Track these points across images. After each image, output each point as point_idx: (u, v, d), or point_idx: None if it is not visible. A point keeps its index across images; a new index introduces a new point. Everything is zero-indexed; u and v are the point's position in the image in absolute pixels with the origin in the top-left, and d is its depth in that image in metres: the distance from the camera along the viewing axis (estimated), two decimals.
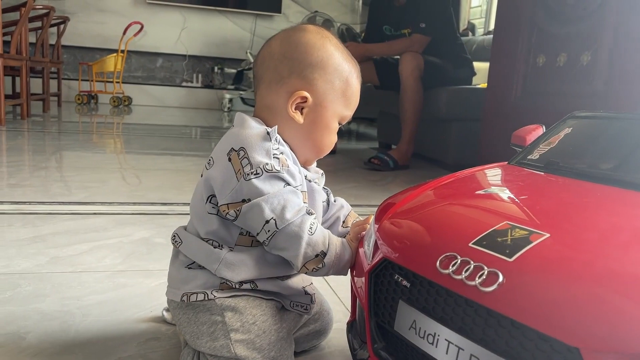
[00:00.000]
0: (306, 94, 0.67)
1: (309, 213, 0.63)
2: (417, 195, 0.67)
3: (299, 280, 0.71)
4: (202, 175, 0.68)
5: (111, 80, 5.15)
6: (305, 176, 0.69)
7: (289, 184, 0.62)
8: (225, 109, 5.52)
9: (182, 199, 1.63)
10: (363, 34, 4.40)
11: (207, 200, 0.65)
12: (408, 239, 0.57)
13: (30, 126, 3.26)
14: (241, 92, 5.51)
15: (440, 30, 2.52)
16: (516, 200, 0.63)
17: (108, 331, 0.81)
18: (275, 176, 0.61)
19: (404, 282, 0.54)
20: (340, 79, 0.69)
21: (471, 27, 5.02)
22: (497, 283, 0.44)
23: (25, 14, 3.29)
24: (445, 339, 0.47)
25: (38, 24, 4.06)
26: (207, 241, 0.66)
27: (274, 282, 0.68)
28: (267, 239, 0.61)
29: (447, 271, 0.48)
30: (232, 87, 5.66)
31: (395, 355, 0.55)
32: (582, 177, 0.66)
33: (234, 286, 0.66)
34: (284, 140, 0.68)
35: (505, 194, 0.66)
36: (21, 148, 2.52)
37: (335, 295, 0.99)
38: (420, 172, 2.49)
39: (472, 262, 0.47)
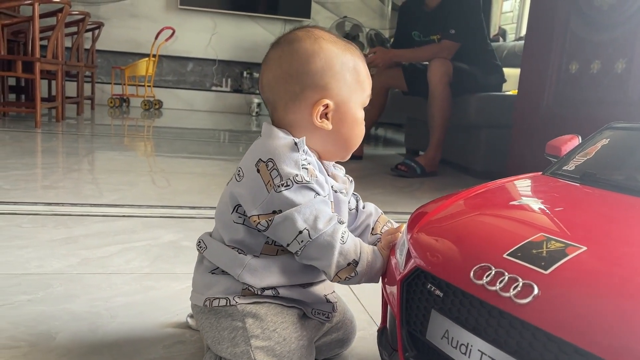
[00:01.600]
0: (327, 101, 0.67)
1: (340, 222, 0.63)
2: (450, 204, 0.67)
3: (321, 288, 0.71)
4: (228, 184, 0.69)
5: (143, 84, 5.25)
6: (332, 187, 0.69)
7: (318, 194, 0.63)
8: (254, 114, 5.57)
9: (209, 203, 1.65)
10: (392, 40, 4.39)
11: (233, 210, 0.66)
12: (441, 249, 0.57)
13: (65, 128, 3.35)
14: None
15: (470, 36, 2.50)
16: (552, 211, 0.62)
17: (135, 333, 0.82)
18: (306, 187, 0.62)
19: (437, 292, 0.54)
20: (349, 71, 0.69)
21: (502, 33, 4.96)
22: (532, 295, 0.44)
23: (61, 20, 3.39)
24: (479, 350, 0.47)
25: (74, 29, 4.17)
26: (231, 248, 0.67)
27: (296, 290, 0.68)
28: (299, 249, 0.62)
29: (481, 282, 0.48)
30: None
31: None
32: (620, 189, 0.65)
33: (256, 292, 0.66)
34: (314, 149, 0.69)
35: (541, 205, 0.64)
36: (55, 150, 2.59)
37: (359, 303, 0.99)
38: (447, 179, 2.46)
39: (506, 274, 0.47)
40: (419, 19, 2.67)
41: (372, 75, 1.93)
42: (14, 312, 0.85)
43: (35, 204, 1.50)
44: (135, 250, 1.18)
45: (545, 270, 0.46)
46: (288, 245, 0.63)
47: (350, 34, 5.61)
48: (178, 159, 2.54)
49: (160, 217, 1.47)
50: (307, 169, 0.63)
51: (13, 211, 1.41)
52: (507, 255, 0.49)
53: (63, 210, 1.46)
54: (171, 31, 5.17)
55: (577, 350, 0.40)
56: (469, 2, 2.48)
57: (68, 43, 4.31)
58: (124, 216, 1.45)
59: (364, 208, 0.79)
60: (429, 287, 0.55)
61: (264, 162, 0.63)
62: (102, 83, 5.47)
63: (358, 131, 0.71)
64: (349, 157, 0.73)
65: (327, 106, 0.68)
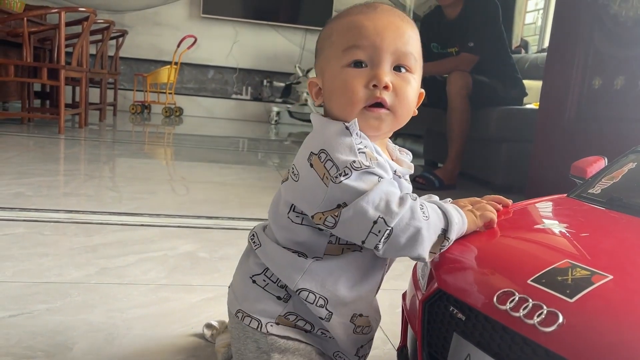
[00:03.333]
0: (313, 79, 0.64)
1: (414, 199, 0.56)
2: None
3: (358, 339, 0.65)
4: (282, 182, 0.64)
5: (164, 91, 5.32)
6: (395, 171, 0.61)
7: (382, 177, 0.56)
8: (273, 122, 5.60)
9: (227, 213, 1.66)
10: None
11: (290, 209, 0.61)
12: (464, 271, 0.57)
13: (87, 135, 3.41)
14: (289, 106, 5.57)
15: (489, 49, 2.48)
16: (577, 237, 0.61)
17: (150, 345, 0.83)
18: (366, 172, 0.55)
19: (459, 315, 0.54)
20: (328, 39, 0.62)
21: (524, 45, 4.91)
22: (557, 324, 0.44)
23: (87, 28, 3.46)
24: None
25: (98, 36, 4.25)
26: (290, 250, 0.61)
27: (339, 327, 0.62)
28: (379, 241, 0.54)
29: (504, 307, 0.48)
30: (280, 100, 5.73)
31: None
32: None
33: (291, 324, 0.62)
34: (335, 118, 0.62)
35: (566, 229, 0.64)
36: (77, 156, 2.63)
37: None
38: (466, 192, 2.44)
39: (530, 300, 0.47)
40: (440, 30, 2.66)
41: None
42: (32, 321, 0.87)
43: (57, 211, 1.53)
44: (153, 261, 1.19)
45: (571, 298, 0.45)
46: (363, 242, 0.55)
47: None
48: (197, 168, 2.57)
49: (178, 226, 1.48)
50: (364, 152, 0.56)
51: (35, 218, 1.43)
52: (532, 281, 0.49)
53: (83, 218, 1.48)
54: (193, 39, 5.23)
55: None
56: (488, 14, 2.47)
57: (92, 50, 4.39)
58: (142, 225, 1.47)
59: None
60: (451, 309, 0.54)
61: (316, 154, 0.56)
62: (125, 89, 5.55)
63: (339, 85, 0.60)
64: (353, 115, 0.60)
65: (315, 85, 0.64)
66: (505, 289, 0.49)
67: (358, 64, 0.60)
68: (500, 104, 2.48)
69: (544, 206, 0.75)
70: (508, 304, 0.48)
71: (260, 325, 0.61)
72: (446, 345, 0.54)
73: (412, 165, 0.68)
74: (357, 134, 0.58)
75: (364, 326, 0.63)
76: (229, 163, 2.91)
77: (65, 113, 3.26)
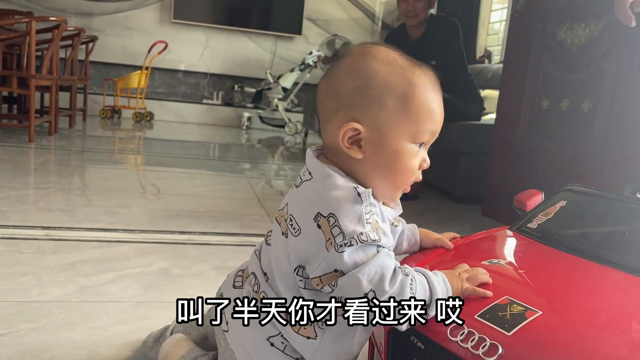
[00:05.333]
0: (355, 124, 0.61)
1: (405, 274, 0.59)
2: (430, 260, 0.75)
3: None
4: (283, 233, 0.63)
5: (135, 95, 5.32)
6: (392, 223, 0.64)
7: (383, 247, 0.59)
8: (244, 127, 5.66)
9: (199, 228, 1.74)
10: None
11: (295, 271, 0.62)
12: None
13: (58, 143, 3.42)
14: (260, 111, 5.65)
15: (451, 67, 2.62)
16: (516, 273, 0.71)
17: None
18: (369, 244, 0.57)
19: (419, 344, 0.63)
20: (393, 97, 0.61)
21: (488, 55, 5.10)
22: (498, 354, 0.54)
23: (57, 37, 3.47)
24: None
25: (68, 42, 4.24)
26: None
27: None
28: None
29: (455, 339, 0.58)
30: (251, 105, 5.80)
31: None
32: (574, 251, 0.74)
33: None
34: (359, 179, 0.63)
35: (507, 266, 0.73)
36: (49, 167, 2.66)
37: None
38: (428, 202, 2.57)
39: (476, 334, 0.57)
40: (403, 50, 2.78)
41: None
42: (20, 340, 0.94)
43: (34, 227, 1.58)
44: (129, 278, 1.27)
45: (508, 332, 0.56)
46: None
47: (340, 52, 5.73)
48: (169, 177, 2.63)
49: (152, 242, 1.56)
50: (370, 222, 0.58)
51: (13, 235, 1.49)
52: (478, 316, 0.59)
53: (60, 235, 1.54)
54: (164, 44, 5.26)
55: None
56: (449, 34, 2.61)
57: (61, 54, 4.38)
58: (117, 241, 1.54)
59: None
60: (412, 339, 0.63)
61: (325, 217, 0.57)
62: (94, 94, 5.53)
63: (401, 167, 0.62)
64: (396, 197, 0.67)
65: (357, 131, 0.61)
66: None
67: (420, 144, 0.64)
68: (461, 119, 2.62)
69: (488, 241, 0.85)
70: (459, 336, 0.58)
71: None
72: None
73: (399, 202, 0.70)
74: (369, 203, 0.59)
75: None
76: (201, 169, 2.98)
77: (34, 121, 3.27)
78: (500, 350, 0.54)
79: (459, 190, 2.64)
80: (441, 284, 0.62)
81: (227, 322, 0.68)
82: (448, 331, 0.59)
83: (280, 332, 0.64)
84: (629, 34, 1.69)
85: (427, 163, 0.65)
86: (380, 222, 0.60)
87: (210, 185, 2.54)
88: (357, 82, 0.61)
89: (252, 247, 1.61)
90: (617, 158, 1.72)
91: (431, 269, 0.65)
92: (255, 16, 5.93)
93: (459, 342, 0.57)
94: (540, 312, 0.57)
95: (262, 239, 0.76)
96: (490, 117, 3.01)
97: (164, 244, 1.56)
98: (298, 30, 5.97)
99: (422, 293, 0.59)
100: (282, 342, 0.64)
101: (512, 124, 2.21)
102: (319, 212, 0.58)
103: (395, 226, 0.71)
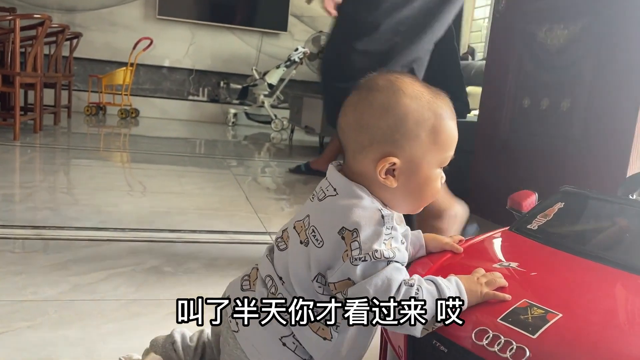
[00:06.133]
0: (394, 159, 0.65)
1: (409, 285, 0.61)
2: (437, 266, 0.76)
3: None
4: (302, 242, 0.67)
5: (120, 92, 5.30)
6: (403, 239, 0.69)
7: (392, 261, 0.62)
8: (230, 124, 5.67)
9: (188, 226, 1.77)
10: None
11: (315, 277, 0.65)
12: None
13: (43, 140, 3.41)
14: (246, 108, 5.66)
15: (442, 68, 2.65)
16: (529, 276, 0.72)
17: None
18: (381, 261, 0.61)
19: (442, 347, 0.64)
20: (425, 130, 0.66)
21: (471, 52, 5.17)
22: (525, 357, 0.56)
23: (41, 34, 3.45)
24: None
25: (52, 38, 4.21)
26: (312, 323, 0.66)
27: None
28: (377, 319, 0.61)
29: (481, 343, 0.59)
30: (237, 102, 5.81)
31: None
32: (577, 253, 0.76)
33: None
34: (383, 200, 0.68)
35: (518, 268, 0.73)
36: (36, 166, 2.66)
37: None
38: None
39: (502, 337, 0.58)
40: None
41: None
42: (17, 338, 0.96)
43: (24, 227, 1.60)
44: (121, 276, 1.29)
45: (533, 335, 0.57)
46: None
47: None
48: (156, 175, 2.64)
49: (143, 241, 1.58)
50: (386, 243, 0.62)
51: (4, 235, 1.50)
52: (500, 319, 0.61)
53: (50, 234, 1.56)
54: (149, 41, 5.24)
55: None
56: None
57: (45, 50, 4.35)
58: (108, 240, 1.56)
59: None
60: (434, 342, 0.65)
61: (350, 231, 0.62)
62: (79, 90, 5.50)
63: (430, 190, 0.69)
64: (419, 210, 0.72)
65: (393, 164, 0.66)
66: (481, 327, 0.61)
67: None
68: None
69: (493, 244, 0.86)
70: (485, 340, 0.59)
71: None
72: None
73: (402, 216, 0.74)
74: (391, 226, 0.63)
75: None
76: (188, 167, 2.99)
77: (19, 119, 3.26)
78: (527, 354, 0.56)
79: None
80: (452, 287, 0.63)
81: (237, 323, 0.70)
82: (473, 335, 0.60)
83: (292, 333, 0.67)
84: (606, 36, 1.75)
85: (444, 178, 0.71)
86: (394, 244, 0.64)
87: (198, 183, 2.56)
88: (392, 119, 0.65)
89: (241, 244, 1.65)
90: (594, 157, 1.78)
91: (446, 275, 0.67)
92: (241, 12, 5.93)
93: (485, 345, 0.59)
94: (561, 315, 0.59)
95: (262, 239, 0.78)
96: (473, 114, 3.07)
97: (154, 242, 1.58)
98: (284, 27, 5.99)
99: (430, 303, 0.61)
100: (294, 343, 0.67)
101: (495, 122, 2.26)
102: (343, 227, 0.62)
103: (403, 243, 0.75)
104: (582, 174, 1.80)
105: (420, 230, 0.81)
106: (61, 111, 4.47)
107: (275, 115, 5.40)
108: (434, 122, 0.66)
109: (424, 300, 0.61)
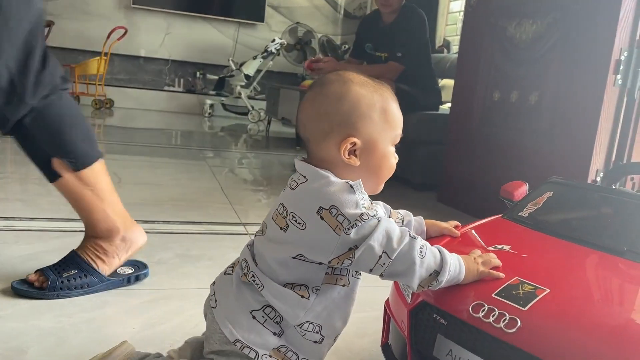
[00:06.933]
0: (354, 139, 0.72)
1: (412, 237, 0.69)
2: (445, 247, 0.80)
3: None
4: (282, 229, 0.71)
5: (93, 82, 5.22)
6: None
7: (380, 218, 0.68)
8: (206, 115, 5.63)
9: (162, 217, 1.77)
10: (349, 48, 4.56)
11: (295, 257, 0.70)
12: (444, 287, 0.72)
13: None
14: (222, 99, 5.62)
15: (414, 61, 2.70)
16: (520, 257, 0.80)
17: (96, 347, 0.94)
18: (370, 219, 0.67)
19: (442, 320, 0.72)
20: (376, 112, 0.73)
21: (446, 45, 5.22)
22: (517, 327, 0.63)
23: None
24: None
25: None
26: (291, 288, 0.71)
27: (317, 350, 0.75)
28: (383, 271, 0.68)
29: (478, 315, 0.67)
30: (214, 93, 5.77)
31: None
32: (564, 237, 0.85)
33: (282, 355, 0.73)
34: (350, 180, 0.73)
35: (511, 250, 0.82)
36: (6, 157, 2.62)
37: None
38: (388, 190, 2.63)
39: (496, 310, 0.66)
40: (375, 32, 2.86)
41: None
42: None
43: None
44: None
45: (524, 308, 0.65)
46: (371, 270, 0.68)
47: (303, 40, 5.76)
48: (130, 166, 2.63)
49: None
50: (365, 205, 0.69)
51: None
52: (495, 294, 0.69)
53: (21, 226, 1.55)
54: (123, 31, 5.17)
55: None
56: (416, 28, 2.69)
57: None
58: (81, 231, 1.55)
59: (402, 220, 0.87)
60: (434, 316, 0.73)
61: (327, 209, 0.67)
62: None
63: (387, 165, 0.76)
64: (380, 189, 0.79)
65: (354, 144, 0.72)
66: (477, 301, 0.68)
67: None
68: (418, 110, 2.71)
69: (487, 229, 0.94)
70: (481, 312, 0.67)
71: (257, 356, 0.72)
72: (431, 343, 0.73)
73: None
74: (360, 192, 0.70)
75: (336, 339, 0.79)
76: (163, 158, 2.98)
77: None
78: (519, 323, 0.63)
79: (417, 178, 2.73)
80: (454, 258, 0.71)
81: (215, 300, 0.77)
82: (470, 308, 0.68)
83: (262, 307, 0.73)
84: (572, 32, 1.80)
85: (397, 158, 0.78)
86: (373, 206, 0.72)
87: (173, 174, 2.56)
88: (347, 105, 0.73)
89: (214, 235, 1.67)
90: (560, 149, 1.83)
91: None
92: (217, 2, 5.88)
93: (481, 317, 0.66)
94: (548, 290, 0.67)
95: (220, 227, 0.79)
96: (447, 107, 3.12)
97: None
98: (261, 18, 5.96)
99: (431, 259, 0.69)
100: (263, 317, 0.73)
101: (466, 114, 2.31)
102: (320, 206, 0.68)
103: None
104: (549, 165, 1.86)
105: (422, 217, 0.89)
106: None
107: (252, 107, 5.39)
108: (382, 104, 0.74)
109: (428, 249, 0.69)
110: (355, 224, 0.66)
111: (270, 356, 0.72)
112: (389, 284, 0.85)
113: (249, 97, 5.47)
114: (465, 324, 0.68)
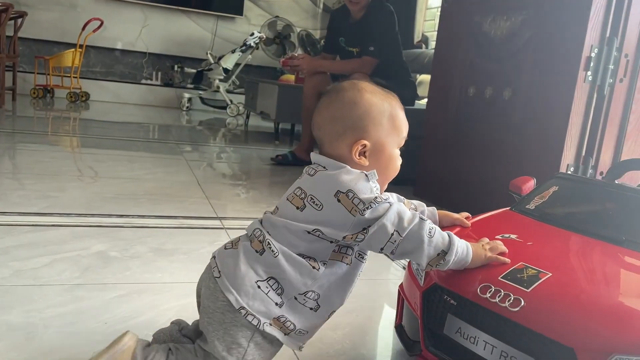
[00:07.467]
0: (364, 141, 0.80)
1: (422, 219, 0.76)
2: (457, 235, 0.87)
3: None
4: (298, 208, 0.78)
5: (68, 75, 5.13)
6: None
7: (392, 203, 0.76)
8: (184, 108, 5.58)
9: (137, 211, 1.76)
10: (323, 42, 4.56)
11: (312, 230, 0.77)
12: (454, 271, 0.80)
13: None
14: (200, 92, 5.58)
15: (387, 54, 2.71)
16: (525, 245, 0.87)
17: (67, 342, 0.94)
18: (382, 203, 0.75)
19: (452, 301, 0.79)
20: (385, 117, 0.82)
21: (425, 40, 5.25)
22: (520, 306, 0.70)
23: None
24: (484, 340, 0.74)
25: None
26: (304, 258, 0.77)
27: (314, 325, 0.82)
28: (394, 249, 0.75)
29: (485, 296, 0.74)
30: (192, 86, 5.72)
31: (442, 350, 0.81)
32: (567, 227, 0.92)
33: (280, 324, 0.78)
34: None
35: (517, 239, 0.88)
36: None
37: None
38: None
39: (502, 291, 0.73)
40: (346, 27, 2.86)
41: (302, 79, 2.19)
42: None
43: None
44: (66, 261, 1.28)
45: (527, 289, 0.72)
46: (382, 249, 0.75)
47: (282, 34, 5.73)
48: (106, 160, 2.60)
49: (89, 226, 1.57)
50: (378, 192, 0.78)
51: None
52: (501, 277, 0.76)
53: None
54: (99, 22, 5.08)
55: (549, 340, 0.66)
56: (385, 22, 2.70)
57: None
58: (53, 225, 1.54)
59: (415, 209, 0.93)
60: (445, 297, 0.80)
61: (344, 192, 0.75)
62: (25, 72, 5.29)
63: (393, 166, 0.85)
64: (384, 189, 0.86)
65: (364, 145, 0.80)
66: (485, 283, 0.75)
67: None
68: None
69: (496, 220, 1.01)
70: (488, 293, 0.74)
71: (259, 324, 0.77)
72: (441, 322, 0.80)
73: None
74: (374, 180, 0.79)
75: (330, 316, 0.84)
76: (140, 152, 2.95)
77: None
78: (522, 303, 0.70)
79: None
80: (462, 242, 0.78)
81: (219, 271, 0.80)
82: (478, 290, 0.75)
83: (267, 279, 0.77)
84: (544, 28, 1.83)
85: (401, 160, 0.86)
86: (385, 195, 0.79)
87: (150, 168, 2.53)
88: (360, 110, 0.81)
89: (190, 229, 1.66)
90: (532, 144, 1.87)
91: None
92: None
93: (488, 298, 0.73)
94: (551, 274, 0.74)
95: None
96: (425, 102, 3.15)
97: (101, 227, 1.57)
98: (239, 11, 5.91)
99: (440, 240, 0.76)
100: (267, 287, 0.78)
101: (443, 109, 2.33)
102: (338, 190, 0.76)
103: None
104: (521, 159, 1.89)
105: (434, 208, 0.96)
106: (5, 93, 4.30)
107: (231, 101, 5.36)
108: (391, 111, 0.83)
109: (437, 231, 0.76)
110: (370, 205, 0.74)
111: (271, 324, 0.78)
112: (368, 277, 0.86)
113: (228, 91, 5.44)
114: (474, 304, 0.75)
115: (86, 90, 5.36)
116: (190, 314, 1.07)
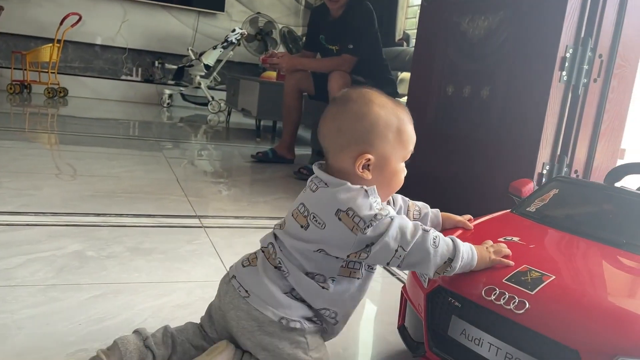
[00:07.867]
0: (369, 155, 0.80)
1: (425, 230, 0.77)
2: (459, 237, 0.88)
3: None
4: (302, 227, 0.80)
5: (46, 70, 5.05)
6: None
7: (392, 217, 0.76)
8: (165, 105, 5.53)
9: (114, 210, 1.74)
10: (305, 39, 4.55)
11: (318, 250, 0.79)
12: (458, 274, 0.80)
13: None
14: (181, 89, 5.54)
15: (366, 51, 2.72)
16: (528, 248, 0.87)
17: (40, 343, 0.93)
18: (383, 219, 0.75)
19: (456, 303, 0.79)
20: (392, 132, 0.81)
21: (406, 38, 5.27)
22: (525, 308, 0.71)
23: None
24: (488, 342, 0.74)
25: None
26: (312, 277, 0.80)
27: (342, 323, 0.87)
28: (400, 263, 0.76)
29: (490, 298, 0.75)
30: (173, 82, 5.67)
31: (446, 352, 0.81)
32: (568, 230, 0.93)
33: (313, 319, 0.83)
34: None
35: (520, 242, 0.89)
36: None
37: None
38: None
39: (507, 293, 0.74)
40: (325, 25, 2.86)
41: (283, 76, 2.13)
42: None
43: None
44: (40, 261, 1.27)
45: (532, 291, 0.73)
46: (388, 263, 0.77)
47: (264, 30, 5.71)
48: (84, 158, 2.56)
49: (65, 225, 1.55)
50: (378, 207, 0.77)
51: None
52: (505, 280, 0.76)
53: None
54: (78, 17, 5.01)
55: (554, 342, 0.67)
56: (365, 19, 2.70)
57: None
58: (28, 225, 1.51)
59: (419, 214, 0.95)
60: (449, 299, 0.80)
61: (344, 211, 0.76)
62: (1, 67, 5.20)
63: (396, 180, 0.84)
64: (386, 200, 0.87)
65: (368, 160, 0.80)
66: (490, 286, 0.76)
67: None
68: None
69: (498, 222, 1.01)
70: (492, 295, 0.74)
71: (302, 324, 0.81)
72: (446, 323, 0.80)
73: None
74: (374, 196, 0.78)
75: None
76: (119, 149, 2.92)
77: None
78: (527, 305, 0.71)
79: None
80: (467, 247, 0.79)
81: (246, 290, 0.82)
82: (483, 292, 0.75)
83: (290, 290, 0.81)
84: (522, 28, 1.85)
85: (405, 172, 0.85)
86: (385, 207, 0.79)
87: (129, 166, 2.51)
88: (366, 123, 0.80)
89: (169, 227, 1.65)
90: (509, 143, 1.89)
91: None
92: None
93: (493, 300, 0.74)
94: (554, 277, 0.75)
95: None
96: (405, 100, 3.16)
97: (77, 226, 1.55)
98: (221, 7, 5.88)
99: (445, 248, 0.77)
100: (293, 297, 0.81)
101: (422, 107, 2.34)
102: (338, 209, 0.76)
103: None
104: (499, 158, 1.91)
105: (438, 209, 0.96)
106: None
107: (212, 97, 5.32)
108: (398, 125, 0.82)
109: (441, 239, 0.77)
110: (371, 223, 0.74)
111: (310, 321, 0.82)
112: None
113: (209, 88, 5.40)
114: (478, 306, 0.75)
115: (64, 86, 5.28)
116: (166, 315, 1.08)
